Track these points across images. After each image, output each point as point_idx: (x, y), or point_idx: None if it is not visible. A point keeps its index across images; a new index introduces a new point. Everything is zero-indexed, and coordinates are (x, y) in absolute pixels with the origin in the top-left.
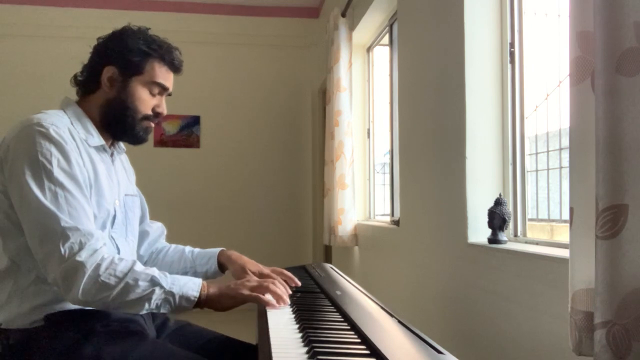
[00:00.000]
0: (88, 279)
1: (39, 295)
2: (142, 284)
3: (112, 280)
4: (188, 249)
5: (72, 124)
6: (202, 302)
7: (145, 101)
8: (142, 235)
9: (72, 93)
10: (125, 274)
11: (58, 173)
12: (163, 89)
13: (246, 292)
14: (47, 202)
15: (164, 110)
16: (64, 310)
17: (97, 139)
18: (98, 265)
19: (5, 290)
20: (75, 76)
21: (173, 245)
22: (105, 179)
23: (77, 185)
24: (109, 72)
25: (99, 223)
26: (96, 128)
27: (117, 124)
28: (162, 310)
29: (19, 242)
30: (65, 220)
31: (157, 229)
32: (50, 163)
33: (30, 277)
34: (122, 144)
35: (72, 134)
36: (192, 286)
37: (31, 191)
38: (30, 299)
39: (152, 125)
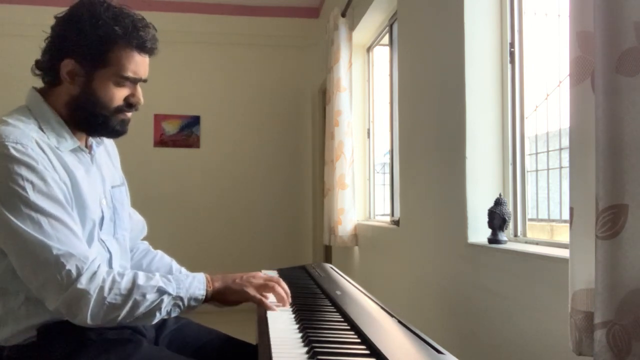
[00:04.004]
0: (94, 303)
1: (32, 315)
2: (150, 296)
3: (119, 300)
4: (175, 266)
5: (40, 128)
6: (209, 298)
7: (115, 94)
8: None
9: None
10: (131, 290)
11: (35, 198)
12: (135, 80)
13: (252, 291)
14: (32, 231)
15: (139, 99)
16: (56, 321)
17: (70, 142)
18: (102, 288)
19: None
20: (36, 62)
21: (159, 253)
22: (86, 186)
23: (60, 206)
24: (67, 66)
25: (86, 235)
26: (68, 126)
27: (88, 123)
28: (173, 315)
29: (2, 266)
30: (57, 248)
31: (137, 222)
32: (24, 189)
33: (19, 298)
34: None
35: (41, 145)
36: (197, 285)
37: (11, 223)
38: (24, 320)
39: (129, 115)
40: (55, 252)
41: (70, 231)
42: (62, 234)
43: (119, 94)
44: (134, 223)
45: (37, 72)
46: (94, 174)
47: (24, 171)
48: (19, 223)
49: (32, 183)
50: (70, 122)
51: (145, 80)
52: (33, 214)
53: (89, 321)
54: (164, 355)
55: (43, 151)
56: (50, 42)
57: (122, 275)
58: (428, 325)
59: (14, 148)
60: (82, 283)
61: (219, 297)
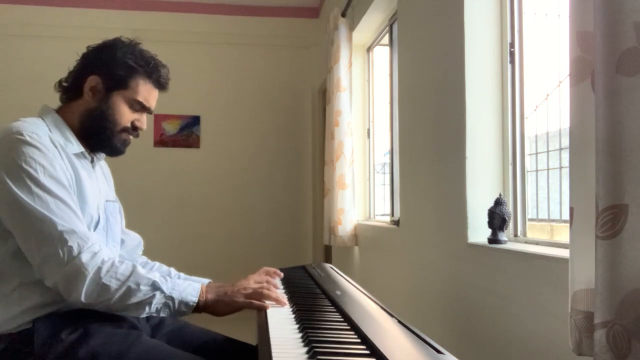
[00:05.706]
0: (90, 282)
1: (24, 300)
2: (144, 288)
3: (114, 283)
4: (174, 272)
5: (50, 131)
6: (201, 308)
7: (125, 114)
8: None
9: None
10: (127, 277)
11: (45, 179)
12: (144, 108)
13: (241, 299)
14: (39, 208)
15: (143, 125)
16: (54, 311)
17: (76, 147)
18: (99, 269)
19: None
20: (60, 81)
21: (157, 264)
22: (88, 185)
23: (66, 190)
24: (92, 81)
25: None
26: (75, 136)
27: (95, 135)
28: (162, 314)
29: (1, 250)
30: (62, 225)
31: (134, 238)
32: (36, 170)
33: (13, 283)
34: None
35: (53, 141)
36: (191, 292)
37: (21, 199)
38: (15, 304)
39: (131, 138)
40: (59, 228)
41: (74, 213)
42: (66, 214)
43: (129, 116)
44: (130, 239)
45: (59, 89)
46: (94, 181)
47: (36, 155)
48: (28, 200)
49: (43, 166)
50: (78, 133)
51: (151, 112)
52: (42, 193)
53: (82, 299)
54: (164, 347)
55: (54, 145)
56: (81, 61)
57: (122, 262)
58: (428, 325)
59: (29, 136)
60: (82, 260)
61: (211, 309)
